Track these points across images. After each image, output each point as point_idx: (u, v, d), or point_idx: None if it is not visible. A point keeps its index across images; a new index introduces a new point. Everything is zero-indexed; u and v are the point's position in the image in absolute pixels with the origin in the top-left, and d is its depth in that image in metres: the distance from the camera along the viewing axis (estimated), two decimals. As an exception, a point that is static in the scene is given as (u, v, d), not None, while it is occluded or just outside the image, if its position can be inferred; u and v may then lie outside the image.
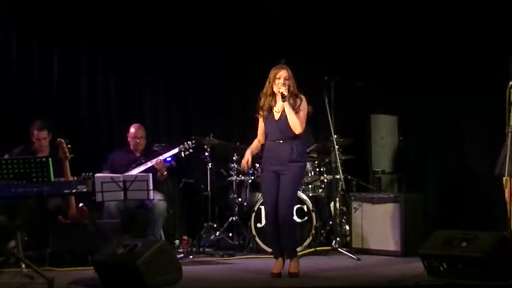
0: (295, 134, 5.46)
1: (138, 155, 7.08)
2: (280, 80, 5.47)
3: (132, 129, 7.12)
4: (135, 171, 6.78)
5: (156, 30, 7.93)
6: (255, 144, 5.74)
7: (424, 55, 7.69)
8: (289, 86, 5.47)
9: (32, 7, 7.65)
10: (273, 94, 5.54)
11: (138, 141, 7.08)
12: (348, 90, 7.30)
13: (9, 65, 7.67)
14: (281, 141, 5.49)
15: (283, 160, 5.46)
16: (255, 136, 5.77)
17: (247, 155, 5.66)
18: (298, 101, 5.51)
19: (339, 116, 6.75)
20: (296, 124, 5.44)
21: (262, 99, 5.58)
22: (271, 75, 5.53)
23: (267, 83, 5.55)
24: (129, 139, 7.12)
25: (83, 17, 7.76)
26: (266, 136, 5.63)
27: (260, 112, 5.60)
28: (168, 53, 8.03)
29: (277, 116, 5.53)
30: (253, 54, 7.92)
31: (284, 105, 5.46)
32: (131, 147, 7.12)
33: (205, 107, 8.25)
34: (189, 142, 6.86)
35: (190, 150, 6.88)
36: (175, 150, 6.85)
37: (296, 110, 5.46)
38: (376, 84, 7.73)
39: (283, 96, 5.44)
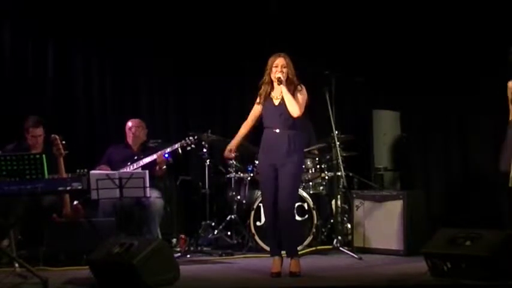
0: (293, 118, 5.41)
1: (135, 150, 7.00)
2: (277, 68, 5.49)
3: (132, 123, 7.05)
4: (133, 167, 6.73)
5: (153, 29, 7.91)
6: (242, 131, 5.75)
7: (427, 52, 7.70)
8: (287, 73, 5.47)
9: (26, 6, 7.60)
10: (271, 82, 5.56)
11: (139, 134, 7.00)
12: (350, 86, 7.27)
13: (3, 64, 7.61)
14: (279, 130, 5.45)
15: (281, 153, 5.41)
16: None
17: (232, 144, 5.74)
18: (299, 87, 5.51)
19: (340, 111, 6.68)
20: (294, 105, 5.40)
21: (262, 88, 5.60)
22: (269, 63, 5.55)
23: (266, 71, 5.57)
24: (127, 133, 7.03)
25: (78, 17, 7.73)
26: (263, 123, 5.59)
27: (258, 99, 5.62)
28: (166, 52, 8.02)
29: (276, 102, 5.53)
30: (252, 52, 7.84)
31: (281, 89, 5.44)
32: (129, 142, 7.03)
33: (203, 107, 8.25)
34: (190, 138, 6.80)
35: (192, 146, 6.82)
36: (177, 146, 6.77)
37: (294, 94, 5.45)
38: (378, 80, 7.71)
39: (279, 80, 5.44)
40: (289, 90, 5.44)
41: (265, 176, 5.52)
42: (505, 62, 5.81)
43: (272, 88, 5.57)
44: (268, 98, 5.56)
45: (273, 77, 5.51)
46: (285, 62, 5.49)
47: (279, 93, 5.51)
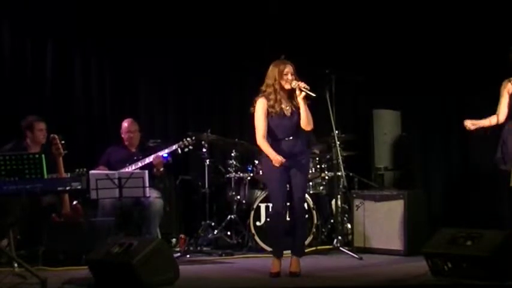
0: (307, 130, 5.35)
1: (133, 150, 7.00)
2: (288, 76, 5.27)
3: (125, 124, 7.04)
4: (132, 168, 6.71)
5: (153, 29, 7.89)
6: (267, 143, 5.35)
7: (428, 52, 7.71)
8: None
9: (26, 6, 7.57)
10: (282, 90, 5.31)
11: (132, 135, 6.99)
12: (350, 86, 7.25)
13: (2, 64, 7.58)
14: (292, 138, 5.33)
15: (296, 155, 5.33)
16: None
17: (274, 153, 5.26)
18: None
19: (340, 111, 6.66)
20: (310, 121, 5.33)
21: (272, 97, 5.30)
22: (274, 71, 5.29)
23: (273, 80, 5.29)
24: (122, 135, 7.04)
25: (77, 17, 7.70)
26: (274, 136, 5.35)
27: (268, 110, 5.30)
28: (166, 52, 7.99)
29: (288, 112, 5.32)
30: (252, 52, 7.83)
31: (301, 102, 5.24)
32: (126, 143, 7.02)
33: (203, 106, 8.23)
34: (188, 139, 6.77)
35: (190, 147, 6.79)
36: (174, 147, 6.75)
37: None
38: (378, 80, 7.69)
39: (306, 90, 5.22)
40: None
41: (279, 180, 5.32)
42: (505, 61, 5.80)
43: (285, 97, 5.30)
44: (279, 108, 5.29)
45: (290, 86, 5.24)
46: (293, 69, 5.29)
47: (289, 103, 5.32)
